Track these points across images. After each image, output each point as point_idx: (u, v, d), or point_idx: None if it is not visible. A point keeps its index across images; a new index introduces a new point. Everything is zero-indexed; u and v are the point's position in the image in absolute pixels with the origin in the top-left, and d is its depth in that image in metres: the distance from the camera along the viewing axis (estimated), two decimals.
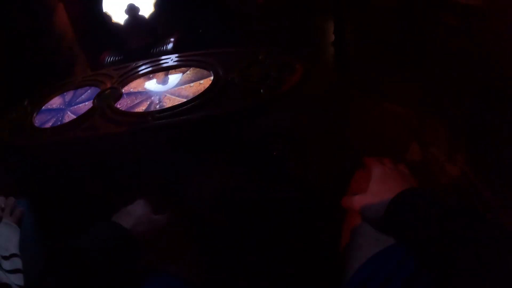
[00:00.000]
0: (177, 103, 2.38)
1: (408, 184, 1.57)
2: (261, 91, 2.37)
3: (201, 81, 2.58)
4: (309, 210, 2.50)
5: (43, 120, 2.73)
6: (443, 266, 1.20)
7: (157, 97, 2.56)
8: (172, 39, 3.61)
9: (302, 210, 2.49)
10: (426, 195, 1.46)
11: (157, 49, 3.52)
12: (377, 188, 1.65)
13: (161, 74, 2.84)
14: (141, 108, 2.47)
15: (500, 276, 1.03)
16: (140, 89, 2.72)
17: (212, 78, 2.55)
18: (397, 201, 1.47)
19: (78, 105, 2.77)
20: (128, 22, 3.50)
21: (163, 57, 3.03)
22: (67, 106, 2.82)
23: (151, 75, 2.85)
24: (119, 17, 3.56)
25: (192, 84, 2.60)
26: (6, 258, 2.10)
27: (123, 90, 2.71)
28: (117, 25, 3.54)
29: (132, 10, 3.51)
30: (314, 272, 2.24)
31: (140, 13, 3.56)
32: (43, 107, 2.89)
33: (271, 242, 2.40)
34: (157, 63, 2.98)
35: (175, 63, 2.92)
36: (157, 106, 2.45)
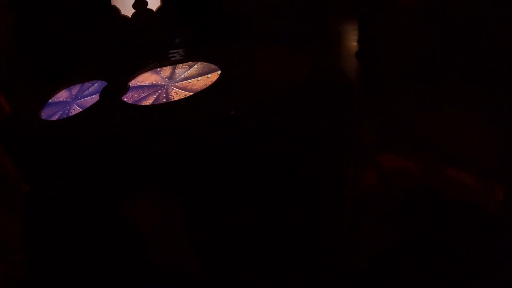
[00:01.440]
0: (184, 97, 2.36)
1: None
2: (270, 86, 2.34)
3: (209, 75, 2.55)
4: (313, 206, 2.47)
5: (50, 113, 2.72)
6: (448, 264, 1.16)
7: (164, 90, 2.54)
8: (179, 34, 3.59)
9: (306, 206, 2.45)
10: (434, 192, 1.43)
11: (165, 43, 3.50)
12: None
13: (168, 68, 2.82)
14: (148, 102, 2.45)
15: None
16: (147, 83, 2.70)
17: (219, 72, 2.52)
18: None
19: (85, 98, 2.76)
20: (136, 16, 3.49)
21: (170, 51, 3.01)
22: (74, 99, 2.81)
23: (158, 69, 2.83)
24: (128, 10, 3.55)
25: (199, 78, 2.58)
26: (12, 251, 2.10)
27: (130, 84, 2.70)
28: (125, 19, 3.52)
29: (140, 4, 3.49)
30: (317, 266, 2.21)
31: (148, 7, 3.54)
32: (50, 100, 2.89)
33: (275, 236, 2.37)
34: (164, 56, 2.97)
35: (182, 57, 2.90)
36: (164, 100, 2.43)
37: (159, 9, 3.62)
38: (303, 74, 2.51)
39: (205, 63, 2.70)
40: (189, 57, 2.81)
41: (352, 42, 3.35)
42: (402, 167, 2.33)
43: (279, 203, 2.39)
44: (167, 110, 2.23)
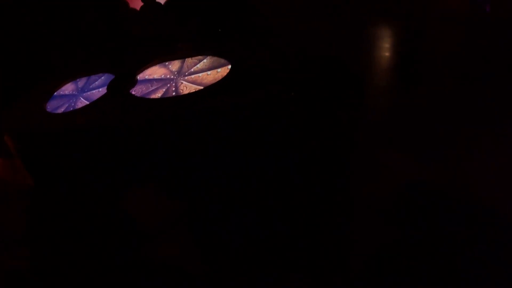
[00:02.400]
0: (194, 91, 2.31)
1: None
2: (281, 81, 2.29)
3: (219, 70, 2.50)
4: (311, 205, 2.43)
5: (55, 106, 2.67)
6: None
7: (173, 84, 2.49)
8: (190, 27, 3.54)
9: (305, 205, 2.41)
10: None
11: (174, 37, 3.44)
12: None
13: (177, 62, 2.77)
14: (157, 95, 2.39)
15: None
16: (155, 76, 2.65)
17: (229, 66, 2.47)
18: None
19: (92, 91, 2.70)
20: (144, 8, 3.44)
21: (180, 44, 2.96)
22: (80, 92, 2.76)
23: (167, 63, 2.78)
24: (136, 3, 3.51)
25: (209, 72, 2.52)
26: (15, 243, 2.06)
27: (138, 77, 2.65)
28: (134, 12, 3.48)
29: None
30: (316, 264, 2.17)
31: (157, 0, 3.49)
32: (55, 93, 2.84)
33: (273, 236, 2.33)
34: (174, 50, 2.91)
35: (192, 51, 2.85)
36: (173, 94, 2.38)
37: (167, 2, 3.57)
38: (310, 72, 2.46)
39: (215, 57, 2.64)
40: (199, 50, 2.75)
41: (385, 52, 2.93)
42: (402, 165, 2.35)
43: (278, 203, 2.34)
44: (178, 104, 2.18)
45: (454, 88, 2.90)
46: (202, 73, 2.51)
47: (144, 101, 2.31)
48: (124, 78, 2.62)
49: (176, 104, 2.17)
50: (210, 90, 2.22)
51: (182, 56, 2.78)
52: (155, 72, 2.69)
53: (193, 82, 2.43)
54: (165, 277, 1.80)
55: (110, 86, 2.56)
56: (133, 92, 2.46)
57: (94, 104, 2.43)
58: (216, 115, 2.10)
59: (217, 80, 2.36)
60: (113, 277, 1.91)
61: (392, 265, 1.90)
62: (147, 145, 2.22)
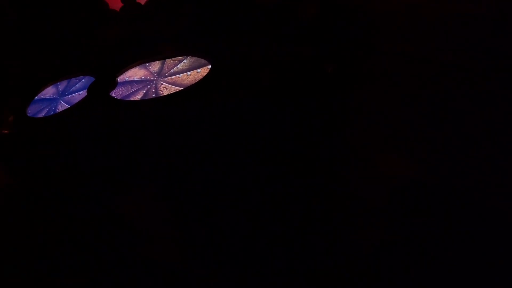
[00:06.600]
0: (174, 92, 2.31)
1: None
2: (263, 80, 2.30)
3: (199, 70, 2.51)
4: (307, 204, 2.44)
5: (36, 110, 2.66)
6: None
7: (153, 86, 2.49)
8: (169, 28, 3.52)
9: (300, 203, 2.42)
10: None
11: (154, 37, 3.43)
12: None
13: (157, 63, 2.77)
14: (137, 97, 2.40)
15: None
16: (135, 78, 2.65)
17: (209, 67, 2.48)
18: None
19: (72, 95, 2.70)
20: (124, 9, 3.42)
21: (160, 45, 2.95)
22: (61, 96, 2.74)
23: (147, 64, 2.77)
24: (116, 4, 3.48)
25: (189, 73, 2.53)
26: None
27: (118, 79, 2.64)
28: (113, 12, 3.45)
29: None
30: (312, 263, 2.18)
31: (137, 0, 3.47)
32: (36, 97, 2.82)
33: (269, 235, 2.34)
34: (153, 51, 2.91)
35: (172, 52, 2.85)
36: (153, 95, 2.38)
37: (148, 3, 3.55)
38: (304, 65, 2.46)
39: (195, 58, 2.65)
40: (179, 51, 2.76)
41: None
42: (397, 165, 2.37)
43: (273, 201, 2.36)
44: (157, 106, 2.18)
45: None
46: (182, 74, 2.52)
47: (123, 103, 2.31)
48: (105, 80, 2.61)
49: (155, 106, 2.18)
50: (190, 91, 2.23)
51: (162, 57, 2.78)
52: (135, 73, 2.69)
53: (173, 83, 2.44)
54: (157, 275, 1.81)
55: (91, 89, 2.55)
56: (113, 95, 2.46)
57: (75, 108, 2.43)
58: (196, 116, 2.11)
59: (197, 80, 2.37)
60: (108, 275, 1.91)
61: (390, 265, 1.91)
62: (128, 147, 2.22)
